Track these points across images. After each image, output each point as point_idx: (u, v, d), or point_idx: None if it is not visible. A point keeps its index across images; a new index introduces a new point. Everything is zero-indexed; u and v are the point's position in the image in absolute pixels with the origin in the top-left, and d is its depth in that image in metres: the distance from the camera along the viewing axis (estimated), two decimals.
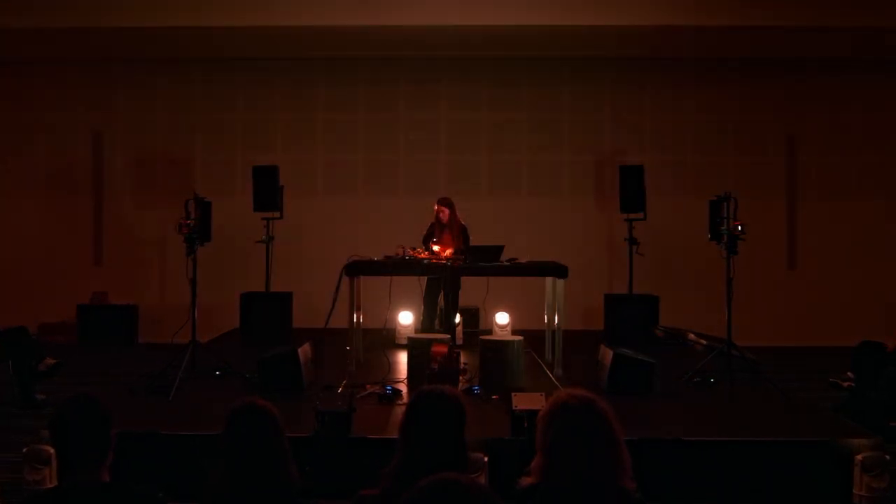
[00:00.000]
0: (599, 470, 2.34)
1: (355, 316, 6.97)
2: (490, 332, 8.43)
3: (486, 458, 4.26)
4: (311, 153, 10.63)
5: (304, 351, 6.19)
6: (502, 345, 6.33)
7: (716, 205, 6.85)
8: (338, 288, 6.68)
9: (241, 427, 2.55)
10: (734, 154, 10.55)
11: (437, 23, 9.03)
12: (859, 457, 4.54)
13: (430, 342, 6.10)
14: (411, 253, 7.15)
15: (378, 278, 7.33)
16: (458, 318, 8.16)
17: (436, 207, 8.02)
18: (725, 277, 6.49)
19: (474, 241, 7.80)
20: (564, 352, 6.81)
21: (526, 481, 2.43)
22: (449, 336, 6.89)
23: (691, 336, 8.45)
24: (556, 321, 6.85)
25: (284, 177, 9.17)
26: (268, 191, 8.88)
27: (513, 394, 4.79)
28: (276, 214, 8.93)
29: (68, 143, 10.68)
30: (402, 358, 6.95)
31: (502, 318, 8.55)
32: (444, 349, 5.90)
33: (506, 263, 7.05)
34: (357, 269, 6.87)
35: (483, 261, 6.96)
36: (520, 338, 6.51)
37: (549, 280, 7.32)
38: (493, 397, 5.69)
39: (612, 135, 10.58)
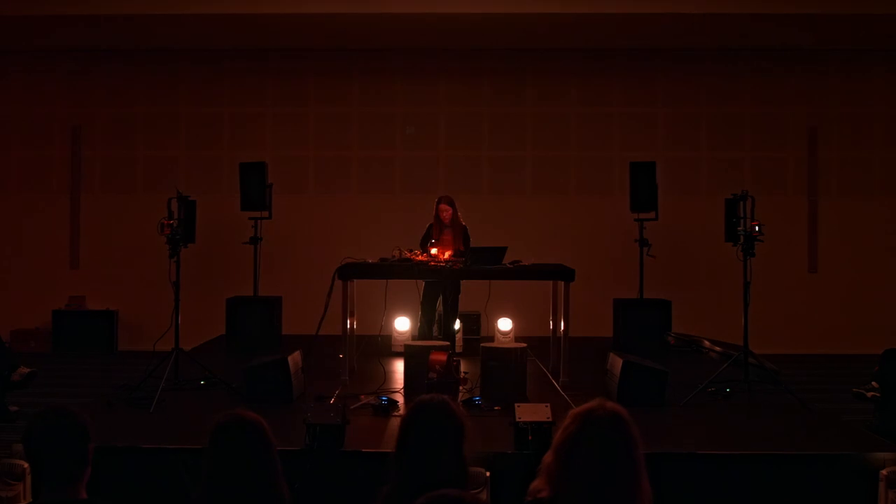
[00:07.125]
0: (619, 490, 2.34)
1: (349, 322, 6.96)
2: (492, 339, 8.43)
3: (487, 474, 4.27)
4: (301, 149, 10.62)
5: (294, 359, 6.19)
6: (505, 353, 6.33)
7: (732, 204, 6.84)
8: (330, 292, 6.67)
9: (228, 441, 2.54)
10: (751, 149, 10.55)
11: (435, 11, 9.03)
12: (884, 471, 4.54)
13: (429, 350, 6.11)
14: (408, 255, 7.15)
15: (373, 282, 7.32)
16: (457, 325, 8.18)
17: (437, 206, 8.01)
18: (742, 281, 6.49)
19: (475, 242, 7.80)
20: (571, 360, 6.81)
21: (536, 492, 2.42)
22: (448, 343, 6.90)
23: (706, 343, 8.43)
24: (562, 327, 6.85)
25: (273, 174, 9.17)
26: (255, 189, 8.89)
27: (516, 405, 4.78)
28: (265, 214, 8.94)
29: (44, 138, 10.67)
30: (399, 367, 6.95)
31: (505, 324, 8.55)
32: (442, 357, 5.91)
33: (509, 266, 7.05)
34: (351, 272, 6.86)
35: (485, 263, 6.95)
36: (523, 345, 6.52)
37: (554, 284, 7.32)
38: (496, 408, 5.69)
39: (622, 129, 10.57)
